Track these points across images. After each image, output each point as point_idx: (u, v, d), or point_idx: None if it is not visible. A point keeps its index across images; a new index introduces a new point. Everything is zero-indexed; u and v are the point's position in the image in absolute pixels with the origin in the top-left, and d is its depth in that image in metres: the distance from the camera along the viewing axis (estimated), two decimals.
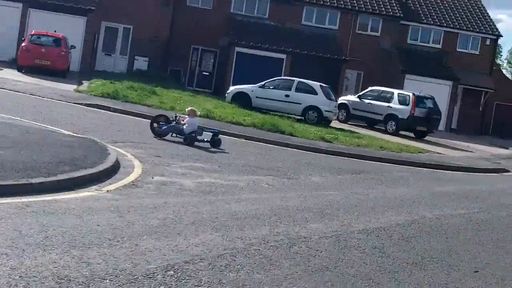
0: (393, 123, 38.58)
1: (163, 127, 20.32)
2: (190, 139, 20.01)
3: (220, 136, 20.96)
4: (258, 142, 23.74)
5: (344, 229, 11.13)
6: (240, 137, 24.03)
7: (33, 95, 25.78)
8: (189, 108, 21.11)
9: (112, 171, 12.73)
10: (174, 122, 20.53)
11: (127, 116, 24.96)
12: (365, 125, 40.40)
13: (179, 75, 48.04)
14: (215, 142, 20.22)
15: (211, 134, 20.32)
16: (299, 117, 34.78)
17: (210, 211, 10.79)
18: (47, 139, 14.98)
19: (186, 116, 20.61)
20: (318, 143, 25.91)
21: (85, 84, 32.45)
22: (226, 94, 36.01)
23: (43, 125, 17.66)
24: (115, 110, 25.64)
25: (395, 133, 38.16)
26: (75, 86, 30.79)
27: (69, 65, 37.61)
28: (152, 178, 12.84)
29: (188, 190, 12.44)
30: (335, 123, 37.23)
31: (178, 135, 20.22)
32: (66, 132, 16.86)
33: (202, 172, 14.84)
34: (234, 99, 35.09)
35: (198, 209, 10.78)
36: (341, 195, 14.91)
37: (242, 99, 34.99)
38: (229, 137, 23.33)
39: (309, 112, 35.22)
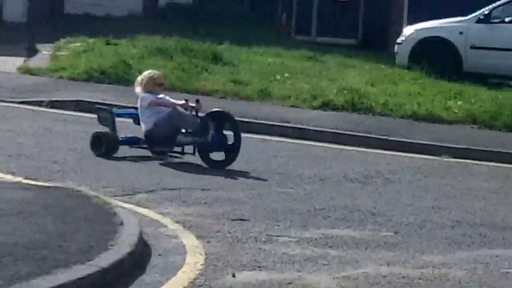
0: None
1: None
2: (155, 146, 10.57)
3: (379, 152, 12.09)
4: (487, 163, 12.21)
5: None
6: (441, 153, 12.48)
7: None
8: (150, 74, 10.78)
9: (133, 267, 6.25)
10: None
11: None
12: None
13: (275, 9, 24.62)
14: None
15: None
16: None
17: None
18: None
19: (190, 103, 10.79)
20: None
21: (45, 52, 18.15)
22: (396, 48, 18.45)
23: None
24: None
25: None
26: (20, 60, 17.06)
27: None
28: (233, 276, 6.46)
29: None
30: None
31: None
32: (10, 179, 8.85)
33: (355, 252, 7.24)
34: (415, 57, 17.68)
35: None
36: None
37: (436, 55, 17.61)
38: (409, 155, 12.35)
39: None
